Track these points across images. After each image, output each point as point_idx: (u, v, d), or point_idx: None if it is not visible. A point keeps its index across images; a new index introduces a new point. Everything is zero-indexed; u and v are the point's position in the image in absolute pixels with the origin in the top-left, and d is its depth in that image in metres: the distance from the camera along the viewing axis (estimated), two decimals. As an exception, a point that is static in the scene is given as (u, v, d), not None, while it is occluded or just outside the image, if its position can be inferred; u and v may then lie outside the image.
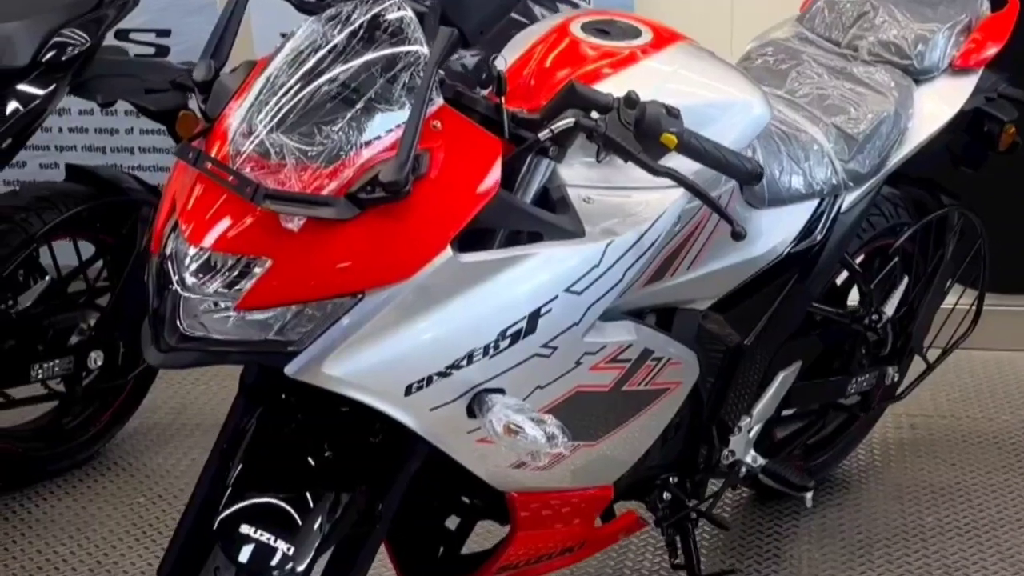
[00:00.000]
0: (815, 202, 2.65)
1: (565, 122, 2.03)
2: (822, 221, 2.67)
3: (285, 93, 1.96)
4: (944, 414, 3.78)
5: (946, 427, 3.72)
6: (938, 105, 2.83)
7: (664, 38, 2.35)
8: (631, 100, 2.02)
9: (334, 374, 1.93)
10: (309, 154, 1.91)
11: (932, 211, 3.13)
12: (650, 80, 2.22)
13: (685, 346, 2.40)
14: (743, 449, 2.78)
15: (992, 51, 2.89)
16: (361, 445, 2.14)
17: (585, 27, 2.32)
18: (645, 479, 2.65)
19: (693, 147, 2.05)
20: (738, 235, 2.10)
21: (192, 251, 1.92)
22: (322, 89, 1.95)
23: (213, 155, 1.97)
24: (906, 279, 3.06)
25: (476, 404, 2.02)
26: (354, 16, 2.01)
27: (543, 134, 2.04)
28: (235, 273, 1.91)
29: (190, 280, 1.92)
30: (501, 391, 2.04)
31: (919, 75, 2.86)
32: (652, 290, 2.30)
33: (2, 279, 3.15)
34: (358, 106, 1.93)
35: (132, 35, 4.23)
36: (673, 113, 2.02)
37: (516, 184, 2.11)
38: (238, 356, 1.96)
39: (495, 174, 1.95)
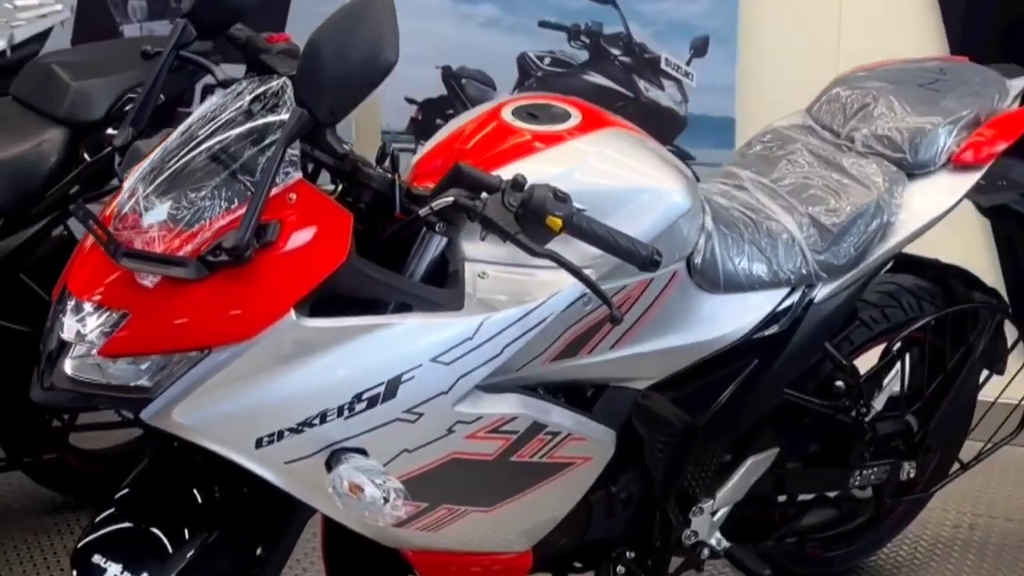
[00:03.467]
0: (782, 291, 2.64)
1: (444, 200, 2.13)
2: (790, 310, 2.65)
3: (170, 159, 2.14)
4: (1014, 517, 3.63)
5: (1011, 532, 3.57)
6: (930, 200, 2.77)
7: (594, 122, 2.41)
8: (517, 183, 2.10)
9: (183, 422, 2.08)
10: (176, 217, 2.07)
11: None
12: (572, 158, 2.30)
13: (602, 424, 2.43)
14: (707, 531, 2.77)
15: (1000, 147, 2.80)
16: (251, 491, 2.26)
17: (517, 111, 2.40)
18: (595, 550, 2.68)
19: (582, 230, 2.11)
20: (614, 319, 2.14)
21: (72, 300, 2.12)
22: (199, 157, 2.12)
23: (108, 213, 2.16)
24: (894, 375, 2.99)
25: (333, 461, 2.13)
26: (245, 90, 2.18)
27: (423, 211, 2.15)
28: (110, 324, 2.09)
29: (70, 325, 2.11)
30: (362, 451, 2.14)
31: (913, 169, 2.80)
32: (563, 366, 2.34)
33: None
34: (223, 175, 2.08)
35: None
36: (560, 197, 2.08)
37: (409, 256, 2.23)
38: (103, 399, 2.14)
39: (343, 244, 2.07)
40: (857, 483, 3.03)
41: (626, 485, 2.61)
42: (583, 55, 4.25)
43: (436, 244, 2.22)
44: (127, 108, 3.34)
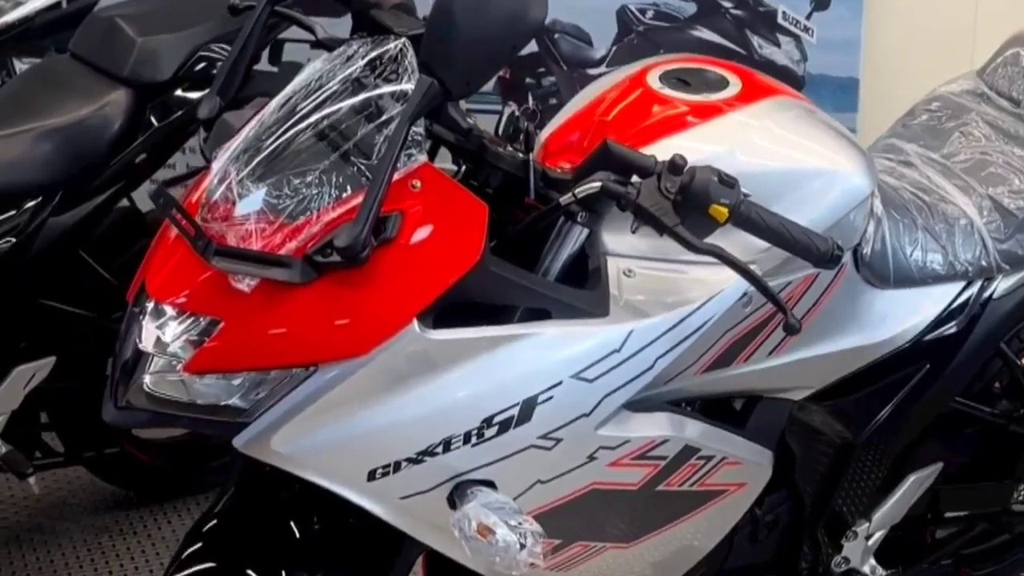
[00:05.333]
0: (958, 285, 2.32)
1: (590, 186, 1.80)
2: (966, 307, 2.32)
3: (267, 137, 1.80)
4: None
5: None
6: None
7: (756, 90, 2.08)
8: (676, 165, 1.76)
9: (283, 451, 1.76)
10: (276, 207, 1.74)
11: None
12: (732, 135, 1.99)
13: (757, 443, 2.12)
14: (860, 557, 2.46)
15: None
16: (355, 523, 1.95)
17: (665, 76, 2.07)
18: (735, 579, 2.37)
19: (751, 221, 1.78)
20: (791, 328, 1.80)
21: (151, 304, 1.79)
22: (304, 134, 1.78)
23: (193, 200, 1.83)
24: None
25: (457, 496, 1.81)
26: (356, 54, 1.83)
27: (565, 198, 1.82)
28: (197, 332, 1.76)
29: (149, 333, 1.78)
30: (490, 484, 1.82)
31: (1113, 144, 2.45)
32: (716, 377, 2.03)
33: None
34: (332, 157, 1.75)
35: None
36: (727, 182, 1.75)
37: (544, 251, 1.90)
38: (189, 422, 1.81)
39: (477, 241, 1.74)
40: (1021, 499, 2.68)
41: (772, 507, 2.32)
42: (690, 7, 3.95)
43: (576, 237, 1.90)
44: (198, 67, 3.03)
